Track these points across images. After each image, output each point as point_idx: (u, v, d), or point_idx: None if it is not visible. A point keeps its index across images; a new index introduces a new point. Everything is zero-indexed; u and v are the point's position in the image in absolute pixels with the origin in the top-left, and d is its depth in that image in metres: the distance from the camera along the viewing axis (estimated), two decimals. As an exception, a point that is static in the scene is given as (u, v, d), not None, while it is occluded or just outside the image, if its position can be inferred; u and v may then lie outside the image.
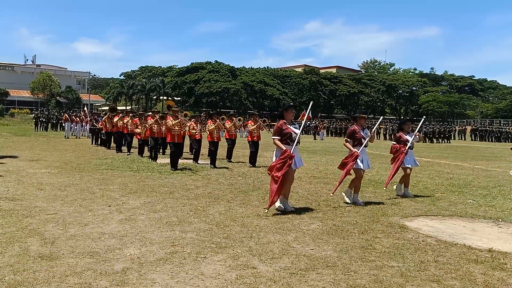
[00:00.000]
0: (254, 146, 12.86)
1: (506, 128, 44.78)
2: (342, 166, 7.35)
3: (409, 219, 6.40)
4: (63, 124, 27.81)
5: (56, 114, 38.26)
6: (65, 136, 25.17)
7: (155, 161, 12.94)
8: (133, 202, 6.96)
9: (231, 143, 13.76)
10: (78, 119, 26.97)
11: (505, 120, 60.45)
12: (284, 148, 6.48)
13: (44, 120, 33.61)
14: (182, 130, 11.50)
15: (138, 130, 14.63)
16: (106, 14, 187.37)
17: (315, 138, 35.49)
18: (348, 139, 7.41)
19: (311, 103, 9.25)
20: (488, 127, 45.55)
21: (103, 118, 18.09)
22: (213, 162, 12.27)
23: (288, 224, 5.82)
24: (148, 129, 13.38)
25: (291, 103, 7.61)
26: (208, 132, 12.91)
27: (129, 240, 4.85)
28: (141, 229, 5.36)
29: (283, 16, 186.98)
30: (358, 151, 7.21)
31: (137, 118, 15.41)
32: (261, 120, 13.70)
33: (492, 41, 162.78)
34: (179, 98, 65.19)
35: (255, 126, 13.09)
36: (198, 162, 13.11)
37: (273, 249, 4.68)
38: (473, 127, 47.37)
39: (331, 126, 44.79)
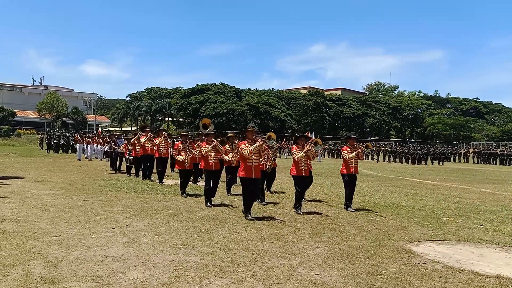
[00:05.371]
0: (351, 180, 9.27)
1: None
2: None
3: (416, 244, 6.33)
4: (75, 146, 26.41)
5: (68, 135, 34.86)
6: (78, 158, 24.29)
7: (208, 202, 9.19)
8: (137, 224, 6.93)
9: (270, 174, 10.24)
10: (90, 140, 25.63)
11: (512, 143, 60.22)
12: None
13: (56, 141, 31.24)
14: (264, 160, 8.44)
15: (181, 158, 10.61)
16: (113, 37, 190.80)
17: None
18: None
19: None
20: (493, 150, 45.22)
21: (132, 140, 14.85)
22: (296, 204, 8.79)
23: (293, 248, 5.76)
24: (202, 159, 9.56)
25: None
26: (272, 160, 10.35)
27: (133, 264, 4.82)
28: (144, 252, 5.32)
29: (288, 39, 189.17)
30: None
31: (180, 141, 11.11)
32: (362, 146, 9.52)
33: (496, 64, 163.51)
34: (182, 119, 65.74)
35: (353, 154, 9.19)
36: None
37: (277, 274, 4.62)
38: (476, 149, 46.99)
39: (334, 148, 44.68)
